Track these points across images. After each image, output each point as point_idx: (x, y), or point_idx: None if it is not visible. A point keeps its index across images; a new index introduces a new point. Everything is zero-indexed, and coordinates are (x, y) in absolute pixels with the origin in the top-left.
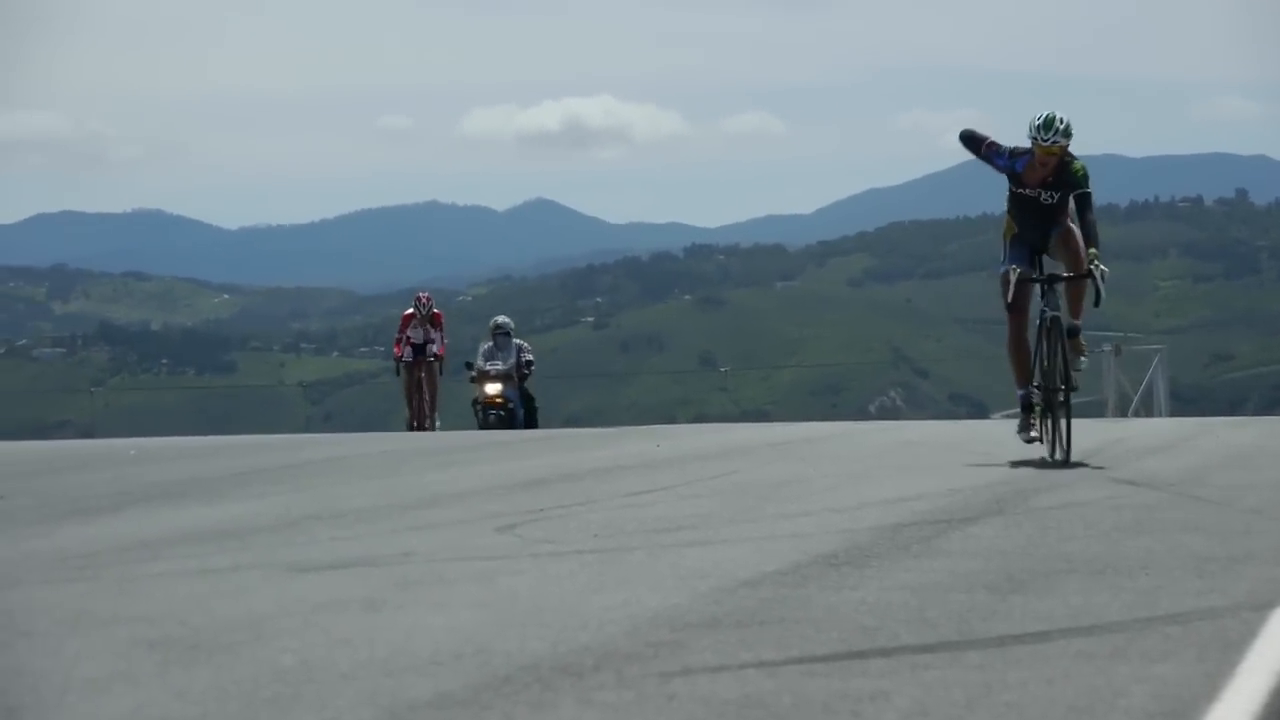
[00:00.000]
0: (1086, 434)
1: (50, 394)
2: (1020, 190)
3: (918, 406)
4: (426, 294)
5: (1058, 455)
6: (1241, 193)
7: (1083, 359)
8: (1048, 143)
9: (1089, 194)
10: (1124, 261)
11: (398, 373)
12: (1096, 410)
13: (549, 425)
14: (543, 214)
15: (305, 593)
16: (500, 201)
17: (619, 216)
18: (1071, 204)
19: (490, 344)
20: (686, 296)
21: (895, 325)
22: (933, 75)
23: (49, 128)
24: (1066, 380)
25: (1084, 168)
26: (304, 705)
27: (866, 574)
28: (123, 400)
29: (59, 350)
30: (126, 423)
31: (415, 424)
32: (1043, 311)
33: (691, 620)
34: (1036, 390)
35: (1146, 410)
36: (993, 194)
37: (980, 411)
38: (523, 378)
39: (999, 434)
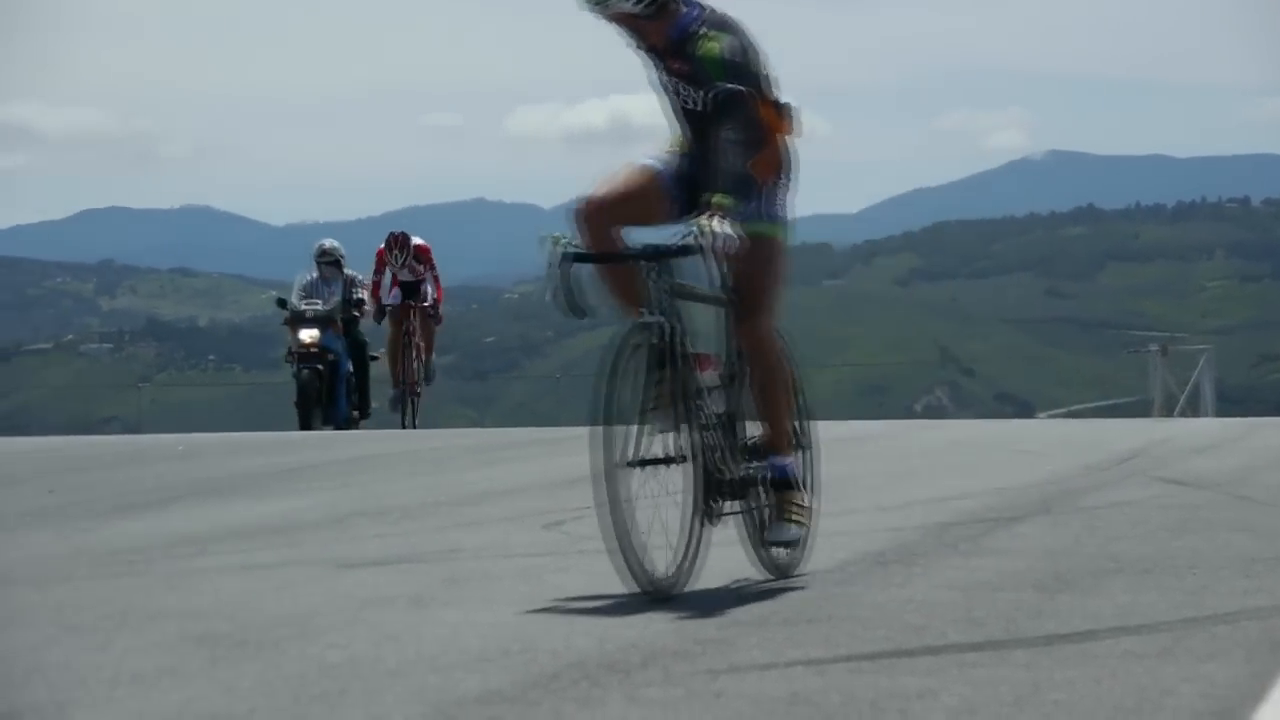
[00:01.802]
0: (1133, 434)
1: (98, 390)
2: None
3: (964, 406)
4: (405, 239)
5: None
6: None
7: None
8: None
9: (734, 95)
10: (1170, 261)
11: (378, 320)
12: (1143, 410)
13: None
14: None
15: (352, 589)
16: (547, 199)
17: None
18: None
19: (313, 276)
20: None
21: (941, 324)
22: (978, 75)
23: (98, 124)
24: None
25: (720, 48)
26: (351, 701)
27: (914, 572)
28: (170, 396)
29: (106, 346)
30: (174, 419)
31: (404, 391)
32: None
33: (739, 618)
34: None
35: (1193, 410)
36: (1040, 193)
37: (1026, 411)
38: (352, 320)
39: (1046, 433)
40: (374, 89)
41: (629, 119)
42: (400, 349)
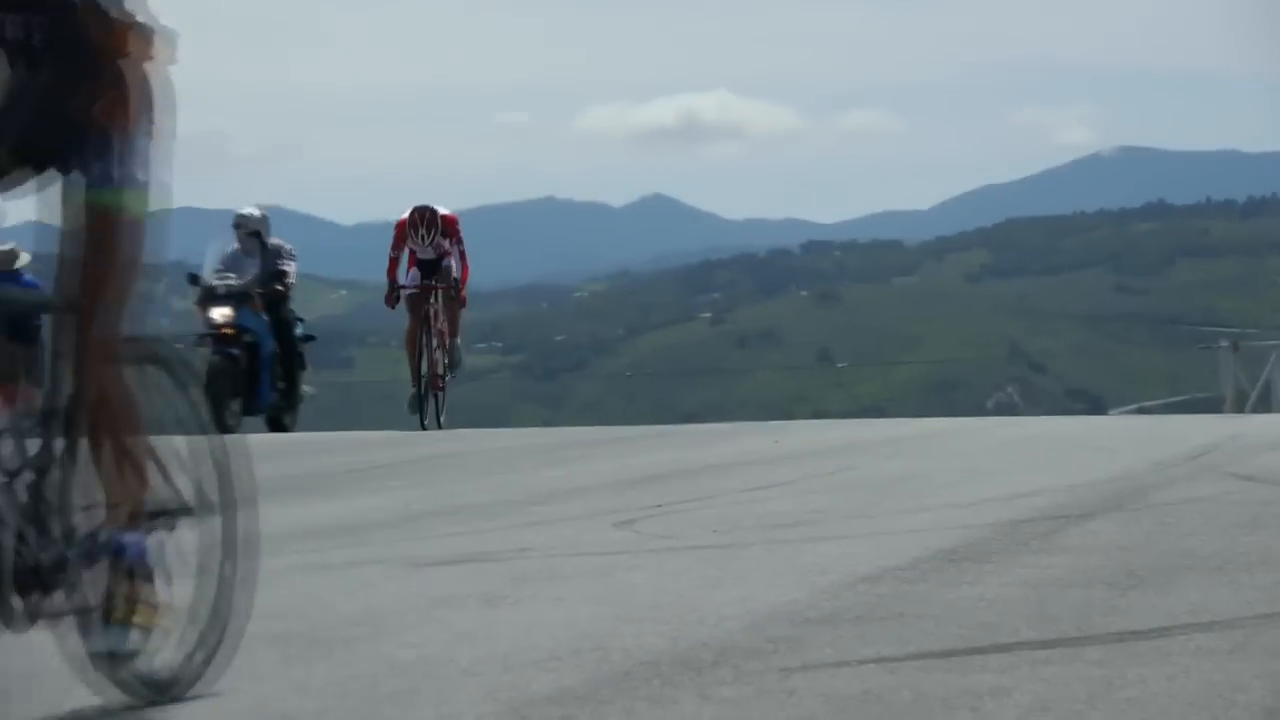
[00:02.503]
0: (1204, 430)
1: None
2: None
3: (1035, 402)
4: (430, 212)
5: None
6: None
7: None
8: None
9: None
10: (1241, 257)
11: (392, 304)
12: (1214, 406)
13: (665, 421)
14: (659, 210)
15: (424, 588)
16: (617, 198)
17: (735, 212)
18: None
19: (233, 248)
20: (803, 292)
21: (1012, 321)
22: (1048, 71)
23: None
24: None
25: None
26: (423, 700)
27: (986, 570)
28: None
29: (178, 346)
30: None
31: (423, 389)
32: None
33: (810, 616)
34: None
35: (1264, 407)
36: (1110, 188)
37: (1098, 407)
38: (275, 298)
39: (1117, 430)
40: (445, 88)
41: (698, 117)
42: (419, 340)
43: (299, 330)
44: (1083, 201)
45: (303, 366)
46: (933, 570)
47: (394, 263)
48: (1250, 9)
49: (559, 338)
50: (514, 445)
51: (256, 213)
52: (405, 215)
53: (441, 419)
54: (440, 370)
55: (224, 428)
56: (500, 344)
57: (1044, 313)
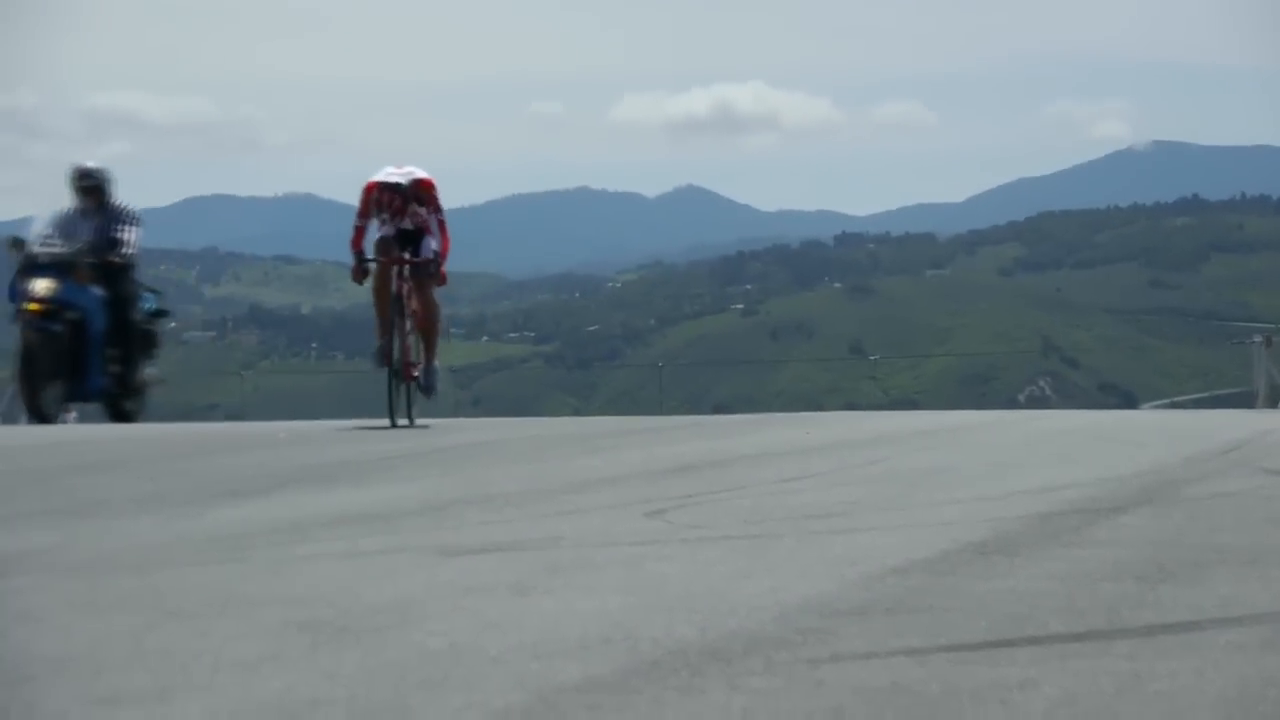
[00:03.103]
0: (1236, 425)
1: (200, 377)
2: None
3: (1067, 396)
4: (406, 169)
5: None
6: None
7: None
8: None
9: None
10: (1275, 252)
11: (360, 279)
12: (1246, 401)
13: (697, 412)
14: (693, 201)
15: (454, 576)
16: (651, 188)
17: (769, 204)
18: None
19: (68, 209)
20: (836, 285)
21: (1045, 315)
22: (1082, 64)
23: (202, 112)
24: None
25: None
26: (453, 687)
27: (1016, 562)
28: (272, 383)
29: (209, 333)
30: (276, 406)
31: (399, 372)
32: None
33: (840, 607)
34: None
35: None
36: (1144, 183)
37: (1130, 401)
38: (110, 269)
39: (1148, 424)
40: (480, 78)
41: (733, 108)
42: (388, 293)
43: (148, 305)
44: (1116, 196)
45: (151, 347)
46: (962, 563)
47: (360, 233)
48: None
49: (591, 327)
50: (545, 434)
51: (102, 169)
52: (374, 179)
53: (412, 413)
54: (413, 358)
55: (40, 413)
56: (533, 333)
57: (1077, 307)
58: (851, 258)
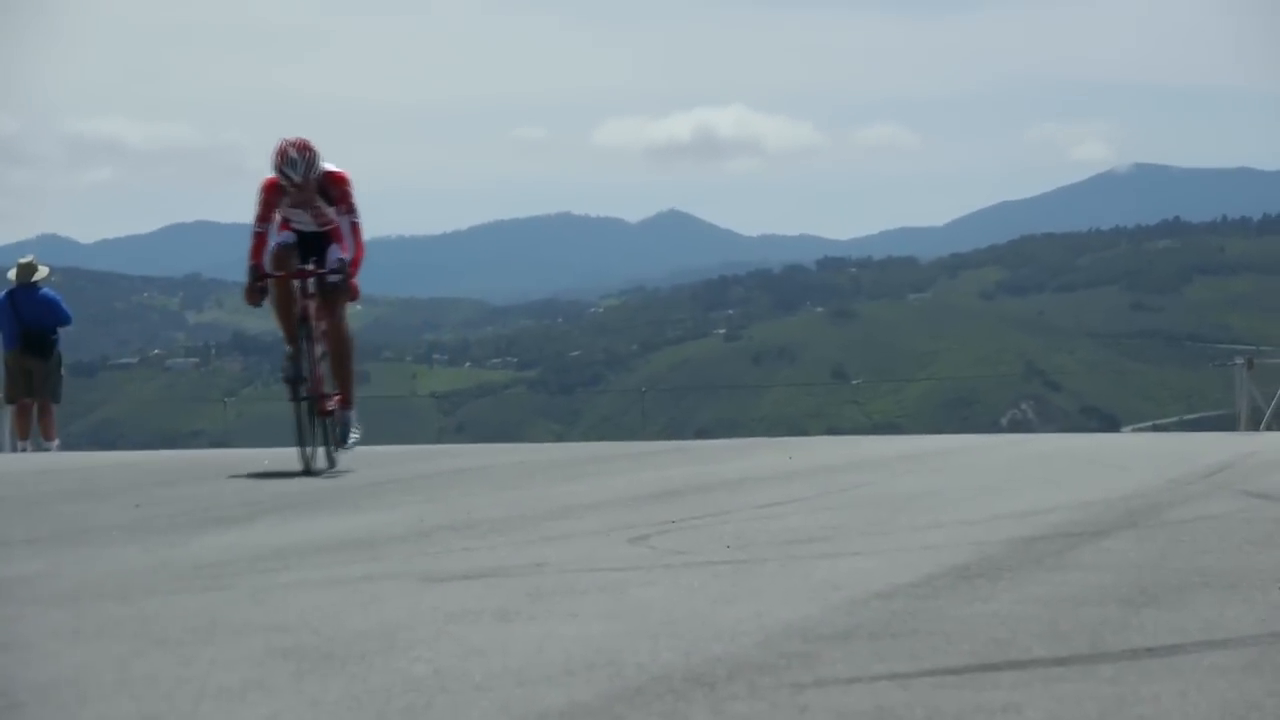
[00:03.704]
0: (1218, 447)
1: (183, 404)
2: None
3: (1049, 419)
4: (301, 140)
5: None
6: None
7: None
8: None
9: None
10: (1257, 275)
11: (256, 299)
12: (1229, 424)
13: (679, 437)
14: (675, 225)
15: (438, 602)
16: (633, 213)
17: (751, 228)
18: None
19: None
20: (818, 309)
21: (1027, 338)
22: (1063, 87)
23: (185, 138)
24: None
25: None
26: (437, 714)
27: (999, 586)
28: (255, 410)
29: (192, 360)
30: (259, 433)
31: (312, 403)
32: None
33: (824, 632)
34: None
35: (1279, 424)
36: (1126, 206)
37: (1112, 424)
38: None
39: (1131, 447)
40: (462, 103)
41: (714, 132)
42: (291, 313)
43: None
44: (1098, 219)
45: None
46: (946, 587)
47: (261, 240)
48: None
49: (574, 353)
50: (528, 460)
51: None
52: (271, 175)
53: (333, 452)
54: (326, 388)
55: None
56: (515, 359)
57: (1059, 330)
58: (833, 282)
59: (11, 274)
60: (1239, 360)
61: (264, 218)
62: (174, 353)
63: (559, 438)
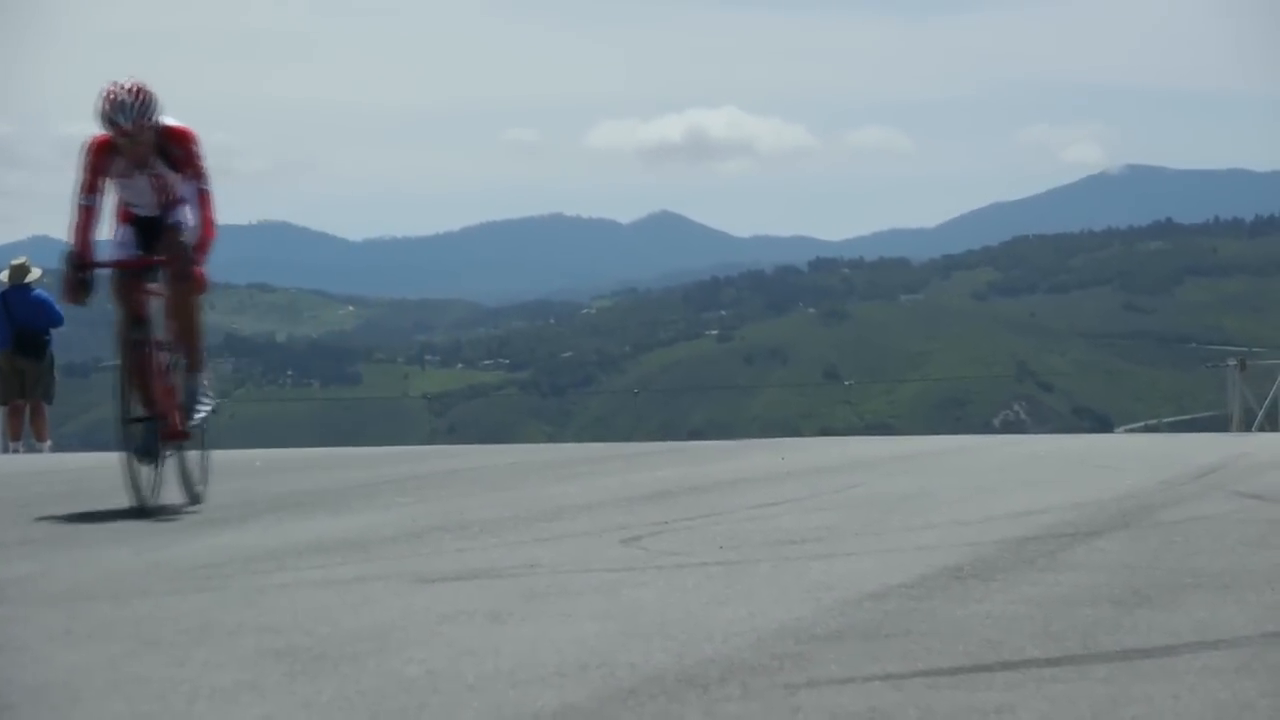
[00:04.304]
0: (1211, 448)
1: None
2: None
3: (1042, 420)
4: (134, 84)
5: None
6: None
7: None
8: None
9: None
10: (1249, 276)
11: (80, 297)
12: (1221, 425)
13: (672, 438)
14: (667, 227)
15: (430, 603)
16: (625, 214)
17: (743, 229)
18: None
19: None
20: (810, 310)
21: (1019, 339)
22: (1055, 89)
23: None
24: None
25: None
26: (430, 715)
27: (992, 587)
28: (248, 411)
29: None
30: (252, 434)
31: (153, 429)
32: None
33: (817, 632)
34: None
35: (1271, 425)
36: (1118, 207)
37: (1104, 425)
38: None
39: (1124, 448)
40: (454, 105)
41: (707, 134)
42: (131, 353)
43: None
44: (1090, 220)
45: None
46: (939, 587)
47: (87, 215)
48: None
49: (566, 354)
50: (521, 461)
51: None
52: (99, 134)
53: (197, 488)
54: (180, 403)
55: None
56: (507, 360)
57: (1051, 331)
58: (826, 283)
59: (4, 275)
60: (1231, 361)
61: (90, 186)
62: None
63: (551, 439)
